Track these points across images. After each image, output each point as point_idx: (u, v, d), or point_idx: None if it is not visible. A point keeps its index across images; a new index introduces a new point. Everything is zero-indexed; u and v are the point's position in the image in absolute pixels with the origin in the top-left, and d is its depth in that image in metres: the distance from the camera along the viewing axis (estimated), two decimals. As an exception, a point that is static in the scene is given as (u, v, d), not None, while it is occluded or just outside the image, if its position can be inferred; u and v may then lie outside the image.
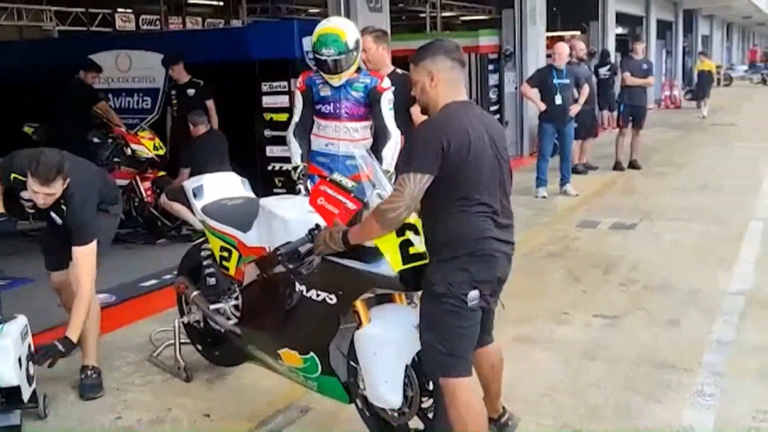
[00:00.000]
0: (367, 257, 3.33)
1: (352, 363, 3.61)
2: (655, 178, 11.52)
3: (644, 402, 4.14)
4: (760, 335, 5.02)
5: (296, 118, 5.13)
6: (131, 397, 4.35)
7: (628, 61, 12.23)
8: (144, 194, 8.16)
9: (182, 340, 4.70)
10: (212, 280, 4.35)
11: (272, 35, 8.96)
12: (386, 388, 3.43)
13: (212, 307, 4.29)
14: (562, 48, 10.21)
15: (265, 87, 8.85)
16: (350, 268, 3.35)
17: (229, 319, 4.24)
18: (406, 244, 3.37)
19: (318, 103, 5.02)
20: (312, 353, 3.66)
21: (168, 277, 6.65)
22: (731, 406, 4.05)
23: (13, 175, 4.21)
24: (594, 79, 12.88)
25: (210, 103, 8.61)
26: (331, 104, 5.00)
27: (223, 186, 4.52)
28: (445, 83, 3.30)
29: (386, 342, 3.43)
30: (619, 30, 21.26)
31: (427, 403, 3.50)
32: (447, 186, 3.13)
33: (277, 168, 8.95)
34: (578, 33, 18.96)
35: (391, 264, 3.32)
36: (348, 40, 4.81)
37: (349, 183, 3.67)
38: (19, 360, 3.89)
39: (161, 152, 8.27)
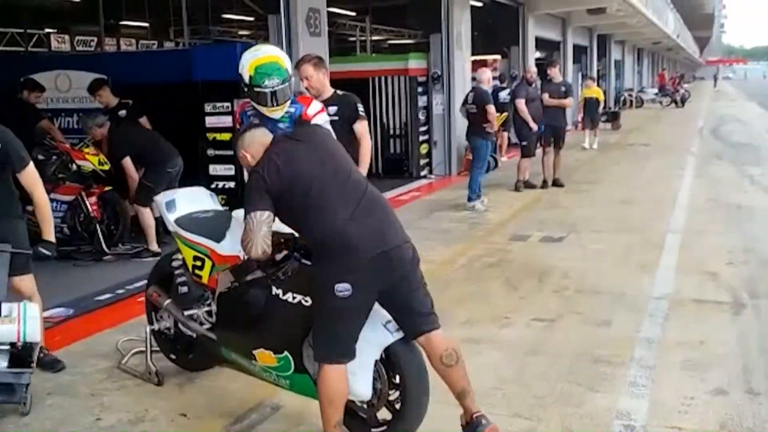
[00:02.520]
0: None
1: (322, 359, 3.93)
2: (577, 194, 12.13)
3: (584, 391, 4.56)
4: (683, 333, 5.52)
5: None
6: (107, 400, 4.57)
7: (547, 84, 12.86)
8: (90, 209, 8.24)
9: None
10: (184, 288, 4.59)
11: (215, 57, 9.21)
12: (354, 380, 3.75)
13: (186, 313, 4.55)
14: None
15: (208, 107, 9.11)
16: None
17: (202, 324, 4.50)
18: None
19: None
20: (286, 352, 3.96)
21: (121, 291, 6.90)
22: (661, 395, 4.49)
23: None
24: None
25: (143, 120, 8.81)
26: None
27: (194, 200, 4.79)
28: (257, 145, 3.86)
29: (356, 339, 3.77)
30: (538, 54, 22.12)
31: (395, 395, 3.84)
32: (298, 201, 3.63)
33: (220, 186, 9.19)
34: (499, 57, 19.75)
35: None
36: (288, 66, 4.49)
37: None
38: None
39: (106, 167, 8.37)
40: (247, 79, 4.39)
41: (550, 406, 4.39)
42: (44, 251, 4.71)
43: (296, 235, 3.84)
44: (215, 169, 9.25)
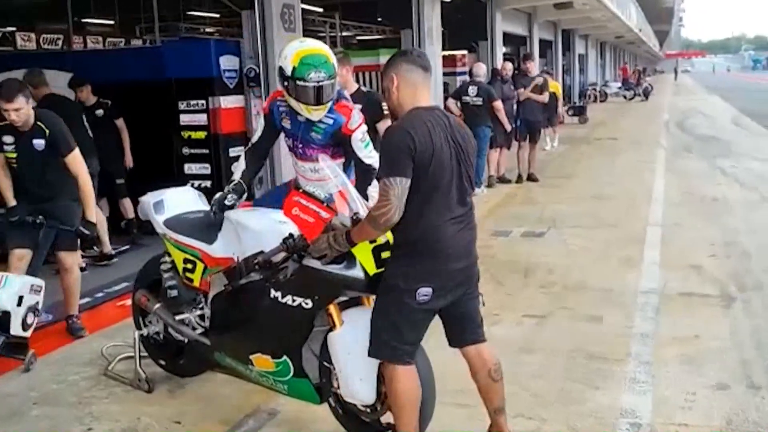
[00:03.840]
0: (342, 262, 3.58)
1: (325, 363, 3.82)
2: (551, 189, 12.13)
3: (585, 389, 4.51)
4: (676, 328, 5.50)
5: (253, 139, 4.49)
6: (97, 409, 4.42)
7: (523, 78, 12.84)
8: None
9: (131, 354, 4.79)
10: (174, 292, 4.45)
11: (189, 54, 9.04)
12: (360, 385, 3.67)
13: (177, 318, 4.41)
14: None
15: (182, 105, 8.93)
16: (328, 273, 3.57)
17: (194, 329, 4.37)
18: (378, 249, 3.63)
19: (286, 137, 4.39)
20: (285, 357, 3.85)
21: (100, 294, 6.72)
22: (663, 391, 4.46)
23: None
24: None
25: (120, 122, 8.63)
26: (292, 140, 4.36)
27: (182, 200, 4.64)
28: (405, 85, 3.50)
29: (360, 343, 3.65)
30: (505, 49, 22.14)
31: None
32: (411, 186, 3.31)
33: (196, 185, 8.99)
34: (465, 52, 19.72)
35: (366, 268, 3.59)
36: (334, 62, 4.17)
37: (321, 193, 3.87)
38: (20, 300, 4.85)
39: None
40: (289, 70, 4.01)
41: (552, 405, 4.34)
42: (84, 231, 5.36)
43: (296, 234, 3.71)
44: (190, 168, 9.07)
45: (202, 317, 4.37)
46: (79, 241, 5.79)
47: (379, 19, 23.75)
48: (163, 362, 4.82)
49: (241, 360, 4.08)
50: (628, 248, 7.91)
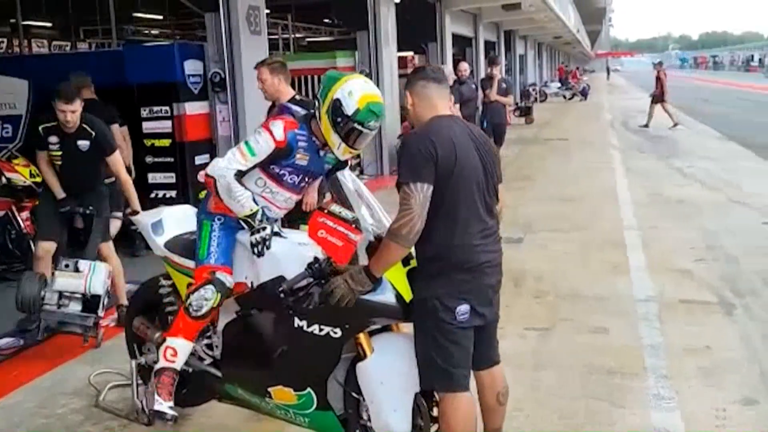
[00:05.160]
0: (374, 289, 3.33)
1: (353, 394, 3.56)
2: (516, 192, 11.92)
3: (611, 408, 4.34)
4: (683, 338, 5.37)
5: (242, 167, 3.70)
6: (93, 446, 4.07)
7: (487, 81, 12.72)
8: (22, 225, 7.59)
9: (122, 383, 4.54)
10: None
11: (151, 58, 8.68)
12: (395, 417, 3.43)
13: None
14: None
15: (144, 112, 8.56)
16: (360, 300, 3.32)
17: (201, 359, 4.05)
18: (412, 273, 3.40)
19: (285, 167, 3.80)
20: (309, 389, 3.58)
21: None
22: (691, 407, 4.32)
23: (40, 126, 5.62)
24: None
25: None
26: (300, 176, 3.87)
27: (182, 219, 4.28)
28: (419, 100, 3.44)
29: (393, 371, 3.43)
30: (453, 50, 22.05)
31: (434, 429, 3.52)
32: (434, 198, 3.16)
33: (160, 195, 8.64)
34: (411, 53, 19.55)
35: (402, 294, 3.35)
36: None
37: (348, 214, 3.60)
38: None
39: (39, 179, 7.70)
40: (351, 110, 3.57)
41: (580, 426, 4.16)
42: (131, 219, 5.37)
43: (321, 258, 3.45)
44: (154, 178, 8.74)
45: (209, 346, 4.03)
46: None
47: (332, 21, 23.44)
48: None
49: (257, 392, 3.79)
50: (610, 253, 7.81)
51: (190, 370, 4.09)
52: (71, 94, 5.46)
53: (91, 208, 5.74)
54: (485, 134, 3.60)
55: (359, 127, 3.60)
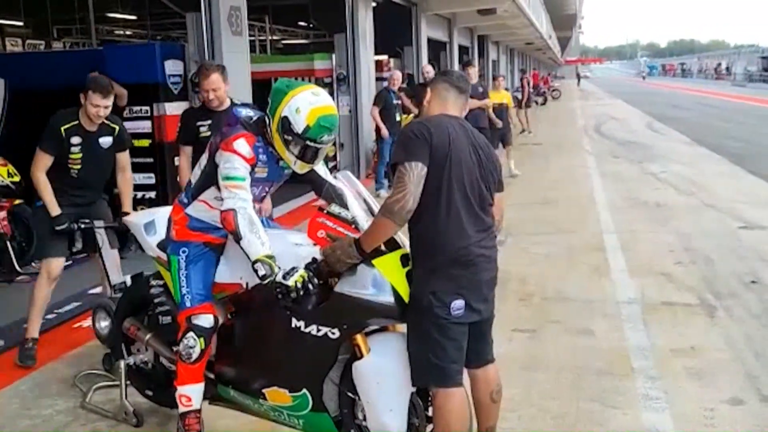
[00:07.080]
0: (373, 288, 3.33)
1: (348, 394, 3.55)
2: (494, 195, 12.05)
3: (603, 408, 4.37)
4: (668, 339, 5.43)
5: (247, 195, 3.51)
6: (82, 448, 4.02)
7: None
8: (-1, 225, 7.49)
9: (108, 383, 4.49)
10: (168, 319, 4.11)
11: (132, 58, 8.57)
12: (391, 416, 3.41)
13: (175, 348, 4.04)
14: (398, 74, 12.88)
15: (124, 112, 8.44)
16: (360, 300, 3.32)
17: (194, 359, 4.01)
18: (411, 273, 3.41)
19: None
20: (304, 390, 3.56)
21: (51, 316, 6.20)
22: (680, 407, 4.36)
23: (62, 128, 5.10)
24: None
25: None
26: (260, 186, 3.78)
27: (175, 219, 4.26)
28: (436, 100, 3.55)
29: (390, 371, 3.41)
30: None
31: (429, 429, 3.52)
32: (429, 188, 3.20)
33: (139, 196, 8.53)
34: (386, 57, 19.60)
35: (402, 294, 3.35)
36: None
37: (347, 214, 3.58)
38: None
39: (16, 179, 7.63)
40: (300, 128, 3.46)
41: (573, 426, 4.18)
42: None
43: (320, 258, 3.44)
44: (134, 178, 8.56)
45: (202, 346, 4.00)
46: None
47: (309, 24, 23.41)
48: (150, 393, 4.41)
49: (251, 394, 3.76)
50: (591, 255, 7.89)
51: (182, 371, 4.07)
52: (108, 88, 5.08)
53: (86, 221, 5.26)
54: (481, 135, 3.62)
55: (312, 144, 3.51)
